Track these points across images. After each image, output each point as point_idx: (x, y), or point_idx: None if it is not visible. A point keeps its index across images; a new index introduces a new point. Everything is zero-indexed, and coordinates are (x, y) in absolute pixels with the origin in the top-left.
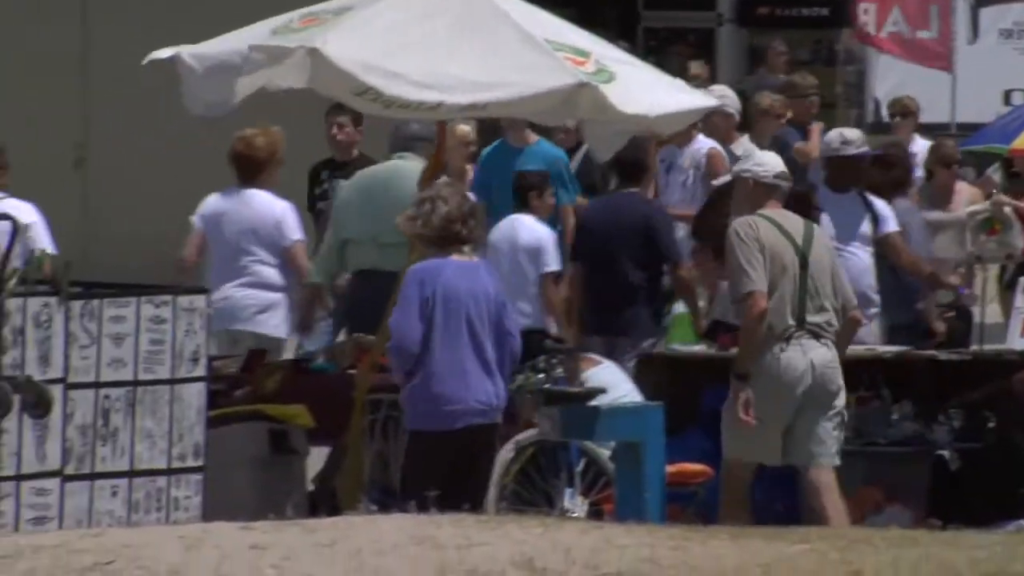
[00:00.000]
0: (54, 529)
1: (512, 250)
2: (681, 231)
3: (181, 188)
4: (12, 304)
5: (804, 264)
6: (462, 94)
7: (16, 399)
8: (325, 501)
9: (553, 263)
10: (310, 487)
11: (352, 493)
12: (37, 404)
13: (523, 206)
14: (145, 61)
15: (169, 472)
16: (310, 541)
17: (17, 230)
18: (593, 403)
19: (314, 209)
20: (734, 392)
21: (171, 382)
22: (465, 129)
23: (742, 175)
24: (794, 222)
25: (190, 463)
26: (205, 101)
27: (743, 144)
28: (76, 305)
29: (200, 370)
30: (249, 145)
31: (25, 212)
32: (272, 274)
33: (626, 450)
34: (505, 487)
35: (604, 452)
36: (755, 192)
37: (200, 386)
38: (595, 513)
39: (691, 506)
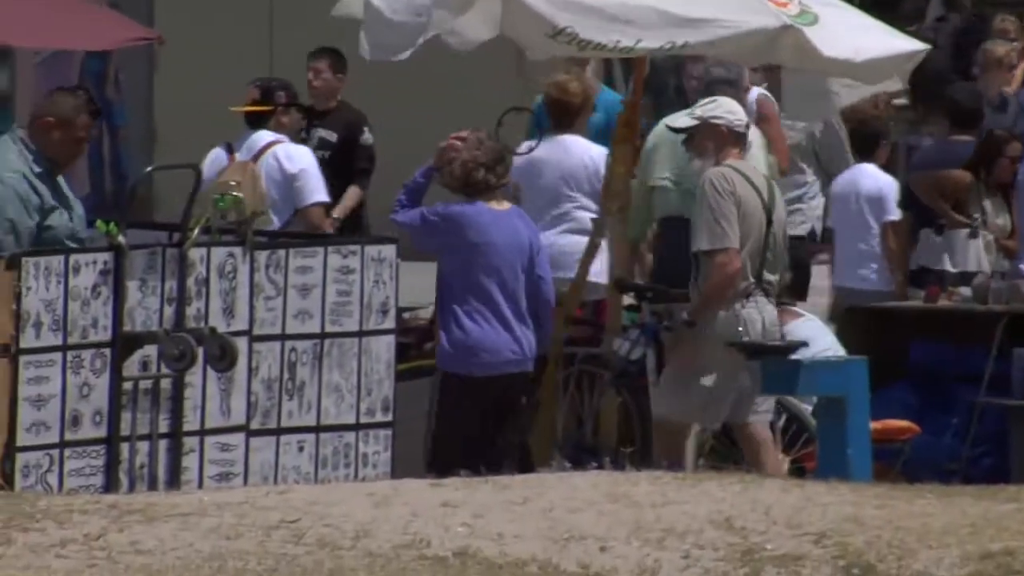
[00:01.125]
0: (239, 485)
1: (855, 199)
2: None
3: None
4: (195, 254)
5: (769, 221)
6: (660, 32)
7: (200, 352)
8: (518, 457)
9: (893, 212)
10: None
11: (545, 449)
12: (221, 357)
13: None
14: (335, 12)
15: (357, 427)
16: (502, 498)
17: (200, 178)
18: (795, 357)
19: None
20: (677, 343)
21: (359, 335)
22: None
23: (712, 121)
24: (759, 177)
25: (379, 418)
26: (385, 45)
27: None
28: (262, 255)
29: (389, 322)
30: (564, 90)
31: (300, 157)
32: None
33: (829, 405)
34: (704, 443)
35: (806, 408)
36: (726, 140)
37: (389, 339)
38: (796, 471)
39: (897, 463)
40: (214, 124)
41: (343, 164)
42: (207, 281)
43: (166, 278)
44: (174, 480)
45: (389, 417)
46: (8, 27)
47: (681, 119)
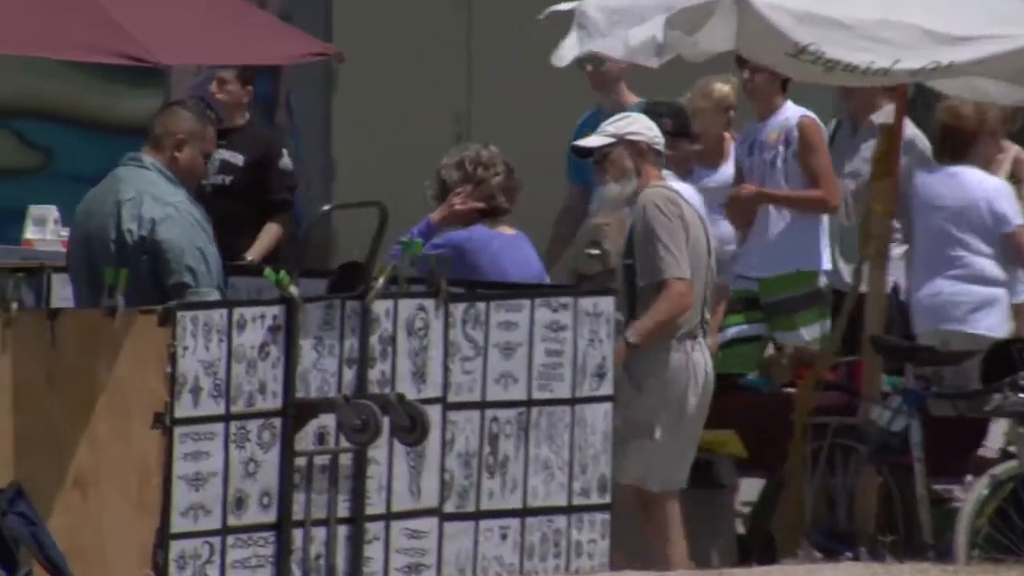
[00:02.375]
0: None
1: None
2: (783, 221)
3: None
4: (380, 307)
5: (709, 251)
6: (922, 51)
7: (386, 422)
8: (758, 545)
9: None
10: (740, 528)
11: (791, 536)
12: (411, 428)
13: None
14: (543, 15)
15: (570, 510)
16: None
17: (386, 218)
18: None
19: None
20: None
21: (571, 402)
22: (724, 90)
23: (630, 138)
24: (698, 200)
25: (595, 500)
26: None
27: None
28: (457, 309)
29: (607, 387)
30: (956, 115)
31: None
32: (988, 265)
33: None
34: (979, 530)
35: None
36: (646, 159)
37: (607, 407)
38: None
39: None
40: (403, 156)
41: (251, 192)
42: (393, 339)
43: (345, 336)
44: (355, 573)
45: (607, 499)
46: (164, 44)
47: (591, 138)
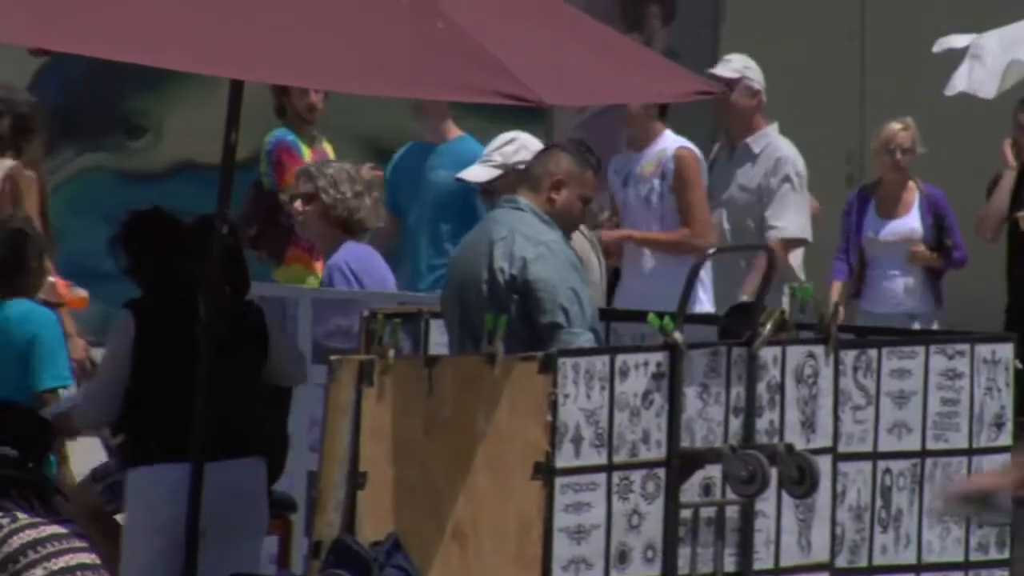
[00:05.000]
0: None
1: None
2: (651, 263)
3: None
4: (767, 354)
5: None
6: None
7: (773, 473)
8: None
9: None
10: None
11: None
12: (800, 480)
13: None
14: (938, 48)
15: (967, 566)
16: None
17: (774, 263)
18: None
19: None
20: None
21: (968, 453)
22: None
23: (521, 168)
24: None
25: (993, 555)
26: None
27: (768, 135)
28: (848, 355)
29: (1004, 438)
30: None
31: None
32: None
33: None
34: None
35: None
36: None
37: (1005, 458)
38: None
39: None
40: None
41: None
42: (782, 387)
43: (732, 384)
44: None
45: (1005, 554)
46: (545, 82)
47: (475, 170)
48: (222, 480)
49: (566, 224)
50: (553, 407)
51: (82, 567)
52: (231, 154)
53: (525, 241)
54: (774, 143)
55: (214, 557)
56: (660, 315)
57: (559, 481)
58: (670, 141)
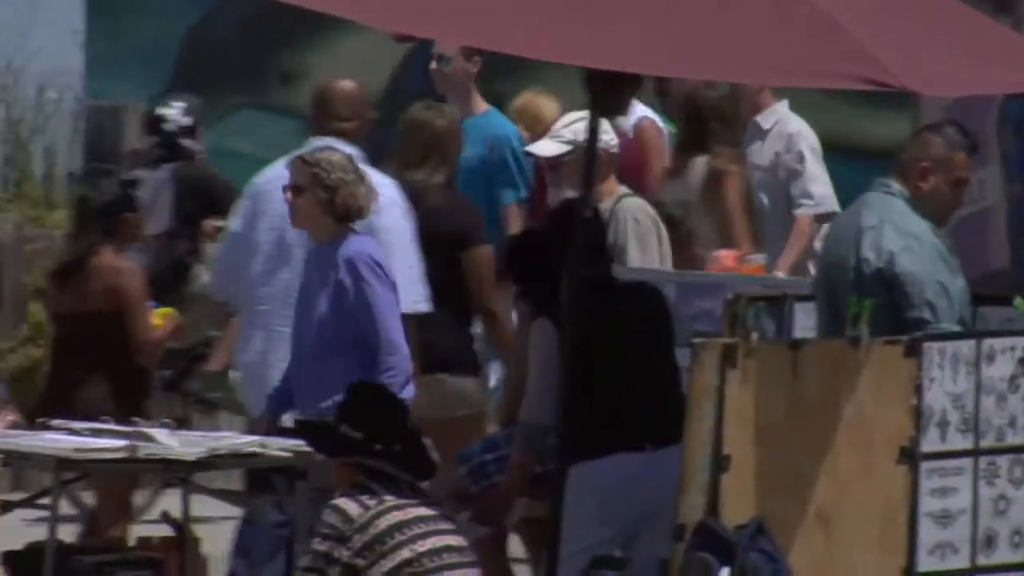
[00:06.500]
0: None
1: None
2: None
3: None
4: None
5: None
6: None
7: None
8: None
9: None
10: None
11: None
12: None
13: None
14: None
15: None
16: None
17: None
18: None
19: None
20: None
21: None
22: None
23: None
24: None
25: None
26: None
27: (776, 112)
28: None
29: None
30: None
31: None
32: None
33: None
34: None
35: None
36: (606, 166)
37: None
38: None
39: None
40: None
41: None
42: None
43: None
44: None
45: None
46: (910, 68)
47: (544, 144)
48: (665, 468)
49: (936, 211)
50: (918, 391)
51: (448, 549)
52: (593, 137)
53: (894, 232)
54: (784, 119)
55: (649, 542)
56: None
57: (924, 466)
58: (638, 111)
